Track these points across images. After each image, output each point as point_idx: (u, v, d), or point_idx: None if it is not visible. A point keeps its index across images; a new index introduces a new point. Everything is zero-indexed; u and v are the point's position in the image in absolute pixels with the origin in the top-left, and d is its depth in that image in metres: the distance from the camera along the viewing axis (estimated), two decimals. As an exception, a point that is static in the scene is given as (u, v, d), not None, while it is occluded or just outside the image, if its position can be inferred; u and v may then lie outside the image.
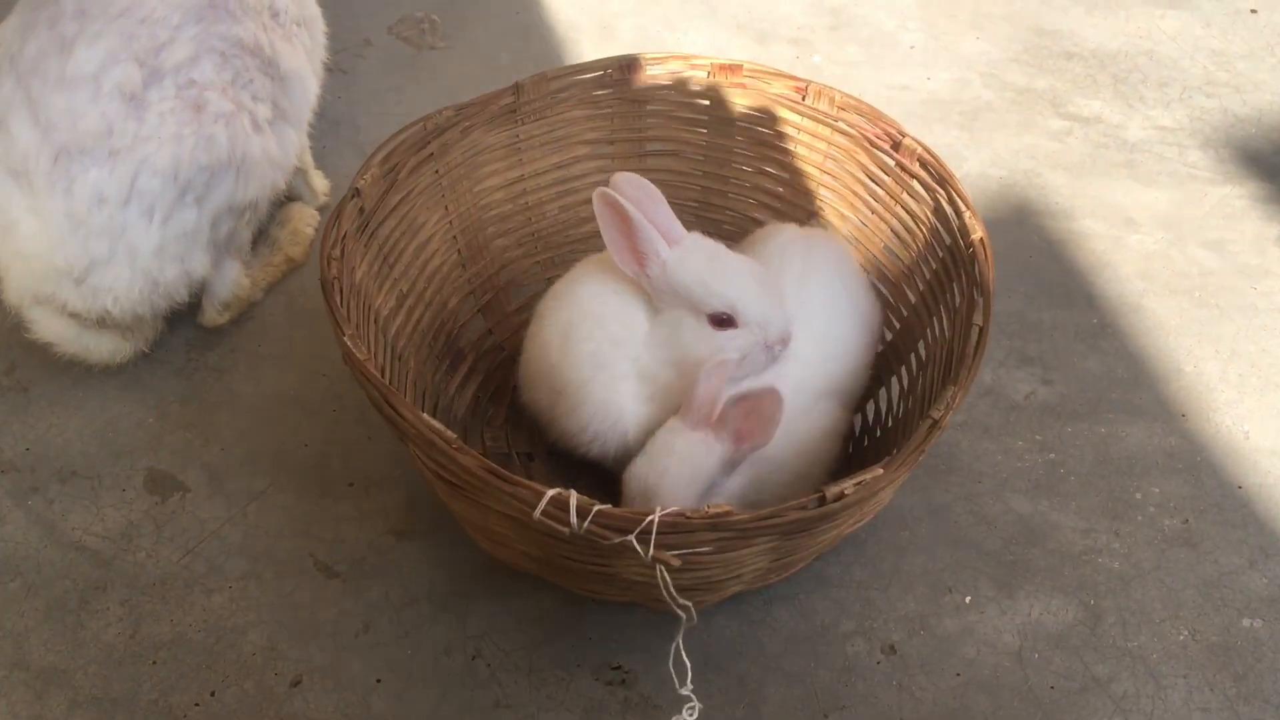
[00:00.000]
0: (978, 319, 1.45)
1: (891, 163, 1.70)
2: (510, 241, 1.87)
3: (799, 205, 1.85)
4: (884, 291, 1.75)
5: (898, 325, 1.73)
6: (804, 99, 1.77)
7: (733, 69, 1.80)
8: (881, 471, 1.29)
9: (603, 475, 1.68)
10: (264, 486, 1.73)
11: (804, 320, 1.58)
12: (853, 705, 1.50)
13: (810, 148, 1.80)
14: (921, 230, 1.67)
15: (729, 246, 1.63)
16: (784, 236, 1.72)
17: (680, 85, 1.84)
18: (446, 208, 1.76)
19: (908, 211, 1.70)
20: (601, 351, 1.58)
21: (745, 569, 1.42)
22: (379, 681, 1.52)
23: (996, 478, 1.74)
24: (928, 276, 1.66)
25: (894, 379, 1.70)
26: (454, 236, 1.79)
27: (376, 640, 1.56)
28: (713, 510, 1.24)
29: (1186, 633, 1.57)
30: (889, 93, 2.41)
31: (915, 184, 1.67)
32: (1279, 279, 2.04)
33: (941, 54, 2.52)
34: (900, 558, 1.65)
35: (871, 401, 1.74)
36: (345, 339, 1.40)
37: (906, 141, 1.67)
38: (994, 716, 1.49)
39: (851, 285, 1.68)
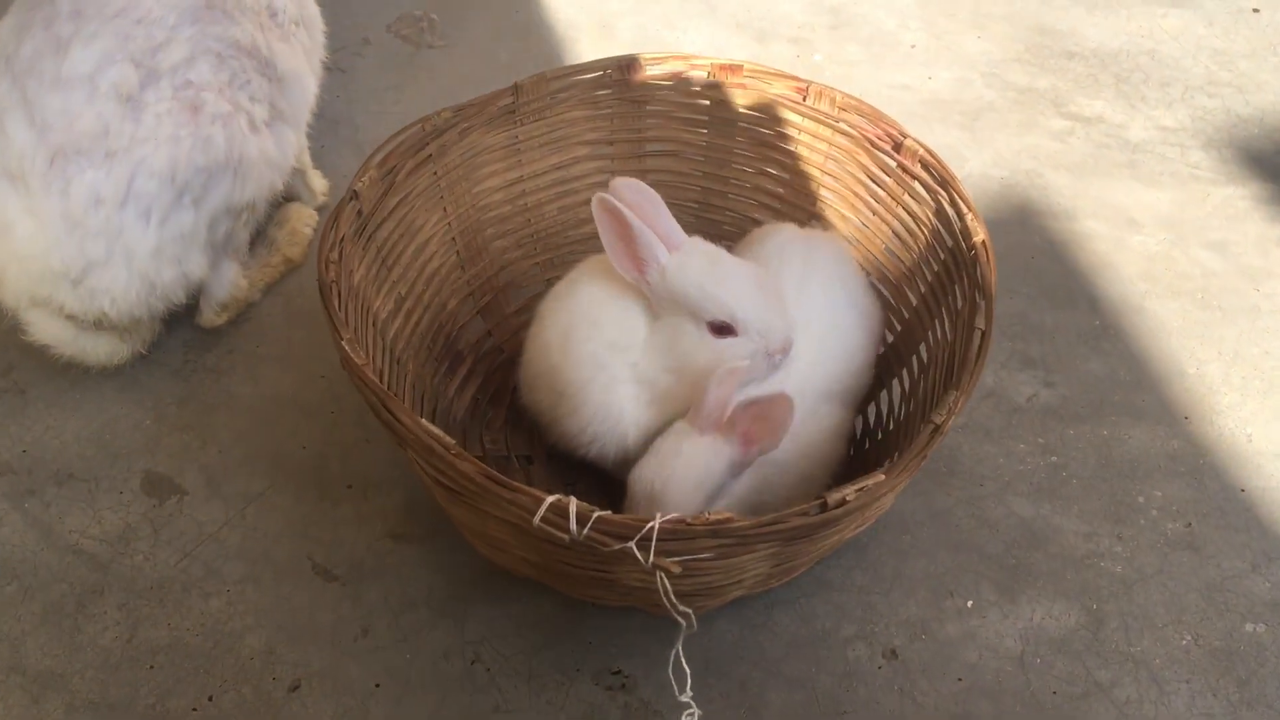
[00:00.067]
0: (980, 322, 1.44)
1: (893, 164, 1.69)
2: (509, 243, 1.86)
3: (799, 206, 1.84)
4: (885, 293, 1.74)
5: (899, 327, 1.72)
6: (805, 99, 1.76)
7: (733, 69, 1.78)
8: (884, 477, 1.28)
9: (603, 478, 1.67)
10: (262, 489, 1.72)
11: (805, 321, 1.57)
12: (854, 710, 1.49)
13: (811, 148, 1.79)
14: (923, 232, 1.66)
15: (728, 248, 1.62)
16: (783, 236, 1.71)
17: (680, 85, 1.82)
18: (445, 209, 1.75)
19: (909, 213, 1.69)
20: (601, 353, 1.57)
21: (746, 574, 1.42)
22: (378, 686, 1.51)
23: (998, 481, 1.74)
24: (929, 279, 1.65)
25: (895, 381, 1.69)
26: (453, 238, 1.78)
27: (375, 644, 1.55)
28: (713, 517, 1.23)
29: (1189, 637, 1.57)
30: (890, 92, 2.40)
31: (917, 185, 1.66)
32: (1282, 280, 2.04)
33: (942, 53, 2.51)
34: (901, 562, 1.64)
35: (873, 404, 1.73)
36: (343, 343, 1.39)
37: (908, 143, 1.66)
38: (996, 722, 1.49)
39: (852, 285, 1.67)
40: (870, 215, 1.75)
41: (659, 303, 1.55)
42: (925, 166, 1.64)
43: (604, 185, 1.85)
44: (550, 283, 1.76)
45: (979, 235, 1.53)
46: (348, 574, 1.62)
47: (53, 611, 1.58)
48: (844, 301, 1.64)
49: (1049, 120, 2.34)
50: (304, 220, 2.06)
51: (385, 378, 1.56)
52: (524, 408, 1.70)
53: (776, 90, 1.78)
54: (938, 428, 1.33)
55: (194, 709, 1.49)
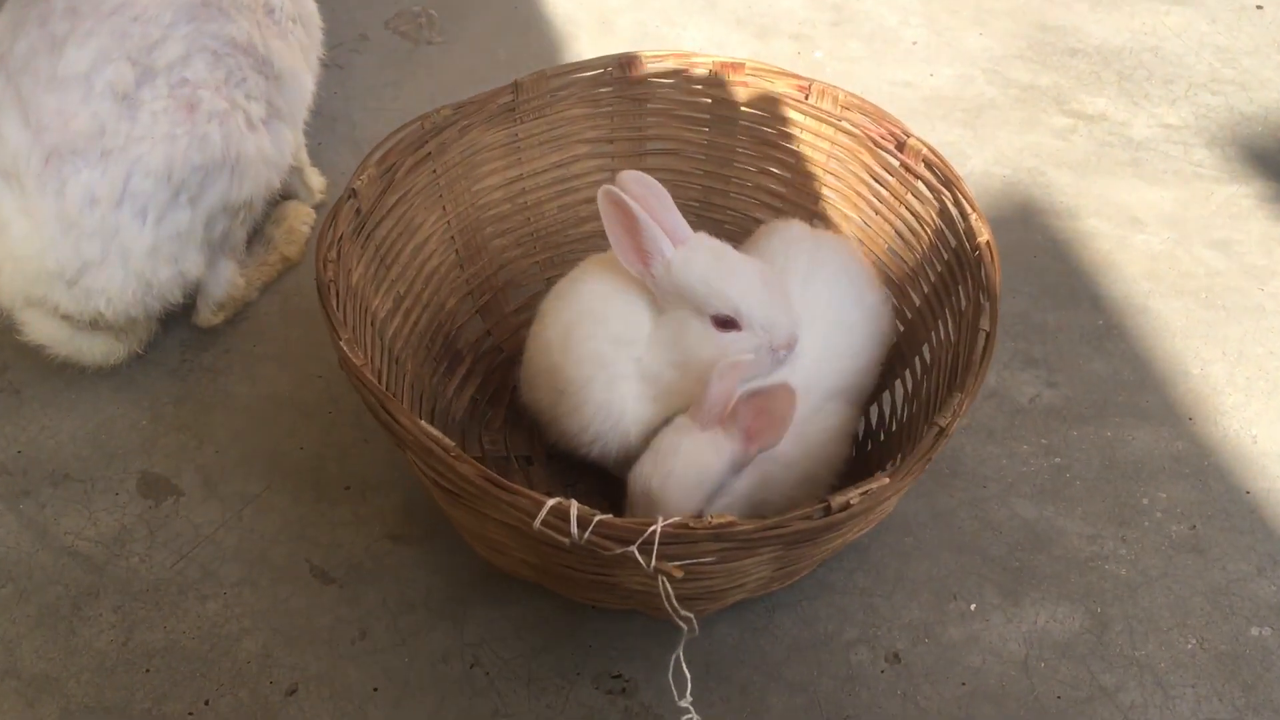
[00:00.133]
0: (984, 324, 1.43)
1: (896, 163, 1.68)
2: (509, 241, 1.84)
3: (801, 205, 1.83)
4: (887, 293, 1.73)
5: (902, 328, 1.70)
6: (807, 98, 1.74)
7: (735, 67, 1.77)
8: (888, 481, 1.27)
9: (603, 479, 1.66)
10: (259, 490, 1.71)
11: (811, 318, 1.55)
12: (857, 715, 1.48)
13: (813, 147, 1.78)
14: (926, 232, 1.65)
15: (736, 245, 1.61)
16: (791, 233, 1.69)
17: (682, 83, 1.81)
18: (444, 208, 1.74)
19: (912, 213, 1.67)
20: (604, 351, 1.56)
21: (749, 578, 1.40)
22: (376, 690, 1.50)
23: (1001, 482, 1.72)
24: (933, 279, 1.64)
25: (898, 382, 1.68)
26: (452, 237, 1.76)
27: (373, 647, 1.54)
28: (716, 521, 1.22)
29: (1194, 641, 1.55)
30: (891, 89, 2.39)
31: (920, 185, 1.64)
32: (1286, 280, 2.02)
33: (944, 50, 2.50)
34: (904, 564, 1.63)
35: (875, 405, 1.71)
36: (341, 344, 1.38)
37: (911, 142, 1.65)
38: (999, 726, 1.48)
39: (858, 281, 1.65)
40: (873, 215, 1.74)
41: (664, 297, 1.53)
42: (929, 166, 1.63)
43: (605, 184, 1.84)
44: (550, 282, 1.74)
45: (983, 236, 1.51)
46: (345, 576, 1.61)
47: (48, 614, 1.56)
48: (850, 297, 1.62)
49: (1051, 118, 2.33)
50: (301, 218, 2.05)
51: (384, 378, 1.55)
52: (524, 407, 1.69)
53: (778, 88, 1.76)
54: (942, 430, 1.32)
55: (190, 713, 1.47)
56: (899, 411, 1.66)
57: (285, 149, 1.84)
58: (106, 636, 1.54)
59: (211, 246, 1.77)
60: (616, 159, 1.86)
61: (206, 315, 1.88)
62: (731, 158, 1.86)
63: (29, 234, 1.62)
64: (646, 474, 1.43)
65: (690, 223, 1.59)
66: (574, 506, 1.21)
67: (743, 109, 1.80)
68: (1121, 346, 1.91)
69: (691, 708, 1.26)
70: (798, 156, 1.80)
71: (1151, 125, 2.31)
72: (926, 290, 1.65)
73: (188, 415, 1.80)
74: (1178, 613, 1.58)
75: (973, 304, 1.50)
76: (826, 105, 1.73)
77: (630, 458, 1.52)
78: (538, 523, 1.21)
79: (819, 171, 1.79)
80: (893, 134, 1.67)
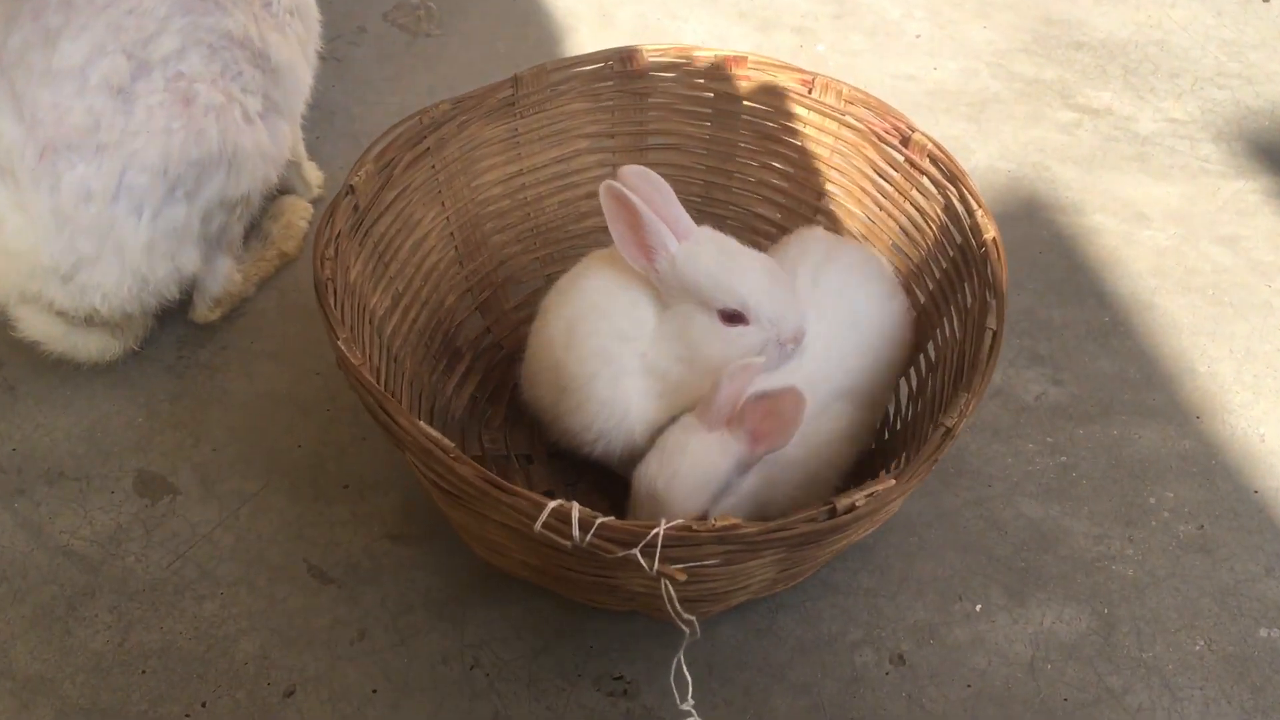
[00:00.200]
0: (991, 322, 1.41)
1: (900, 158, 1.66)
2: (509, 237, 1.82)
3: (804, 201, 1.81)
4: (905, 298, 1.70)
5: (907, 326, 1.69)
6: (811, 92, 1.72)
7: (737, 60, 1.75)
8: (894, 482, 1.25)
9: (604, 477, 1.65)
10: (256, 489, 1.69)
11: (820, 314, 1.54)
12: (861, 717, 1.46)
13: (817, 142, 1.76)
14: (931, 228, 1.63)
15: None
16: (809, 234, 1.69)
17: (683, 77, 1.79)
18: (443, 204, 1.72)
19: (917, 209, 1.65)
20: (608, 347, 1.54)
21: (752, 580, 1.39)
22: (374, 692, 1.48)
23: (1007, 481, 1.71)
24: (938, 276, 1.62)
25: (903, 380, 1.66)
26: (451, 233, 1.74)
27: (372, 648, 1.52)
28: (720, 523, 1.20)
29: (1202, 643, 1.54)
30: (894, 83, 2.37)
31: (925, 180, 1.62)
32: (1293, 276, 2.00)
33: (947, 43, 2.47)
34: (909, 564, 1.61)
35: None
36: (339, 343, 1.36)
37: (916, 137, 1.63)
38: (1005, 729, 1.46)
39: (872, 280, 1.63)
40: (877, 211, 1.72)
41: (668, 292, 1.52)
42: (934, 161, 1.61)
43: (605, 179, 1.82)
44: (550, 278, 1.73)
45: (989, 232, 1.50)
46: (344, 576, 1.59)
47: (43, 614, 1.55)
48: (862, 296, 1.60)
49: (1056, 112, 2.30)
50: (299, 213, 2.03)
51: (382, 377, 1.53)
52: (525, 405, 1.67)
53: (782, 82, 1.74)
54: (949, 431, 1.30)
55: (187, 715, 1.46)
56: (904, 410, 1.65)
57: (282, 143, 1.82)
58: (102, 637, 1.53)
59: (208, 242, 1.75)
60: (617, 154, 1.84)
61: (203, 311, 1.86)
62: (734, 153, 1.84)
63: (23, 229, 1.60)
64: (652, 473, 1.41)
65: (693, 218, 1.57)
66: (575, 509, 1.19)
67: (745, 103, 1.79)
68: (1128, 344, 1.89)
69: (694, 711, 1.24)
70: (801, 151, 1.78)
71: (1157, 120, 2.29)
72: (931, 287, 1.63)
73: (184, 413, 1.78)
74: (1185, 614, 1.57)
75: (979, 302, 1.48)
76: (830, 100, 1.71)
77: (635, 455, 1.50)
78: (539, 525, 1.19)
79: (822, 167, 1.77)
80: (897, 129, 1.65)
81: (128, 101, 1.59)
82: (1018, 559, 1.62)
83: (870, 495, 1.24)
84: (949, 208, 1.58)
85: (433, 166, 1.68)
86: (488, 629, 1.54)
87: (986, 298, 1.45)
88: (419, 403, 1.65)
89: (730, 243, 1.54)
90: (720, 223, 1.82)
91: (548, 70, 1.74)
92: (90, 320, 1.72)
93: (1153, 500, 1.69)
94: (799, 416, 1.38)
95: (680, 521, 1.20)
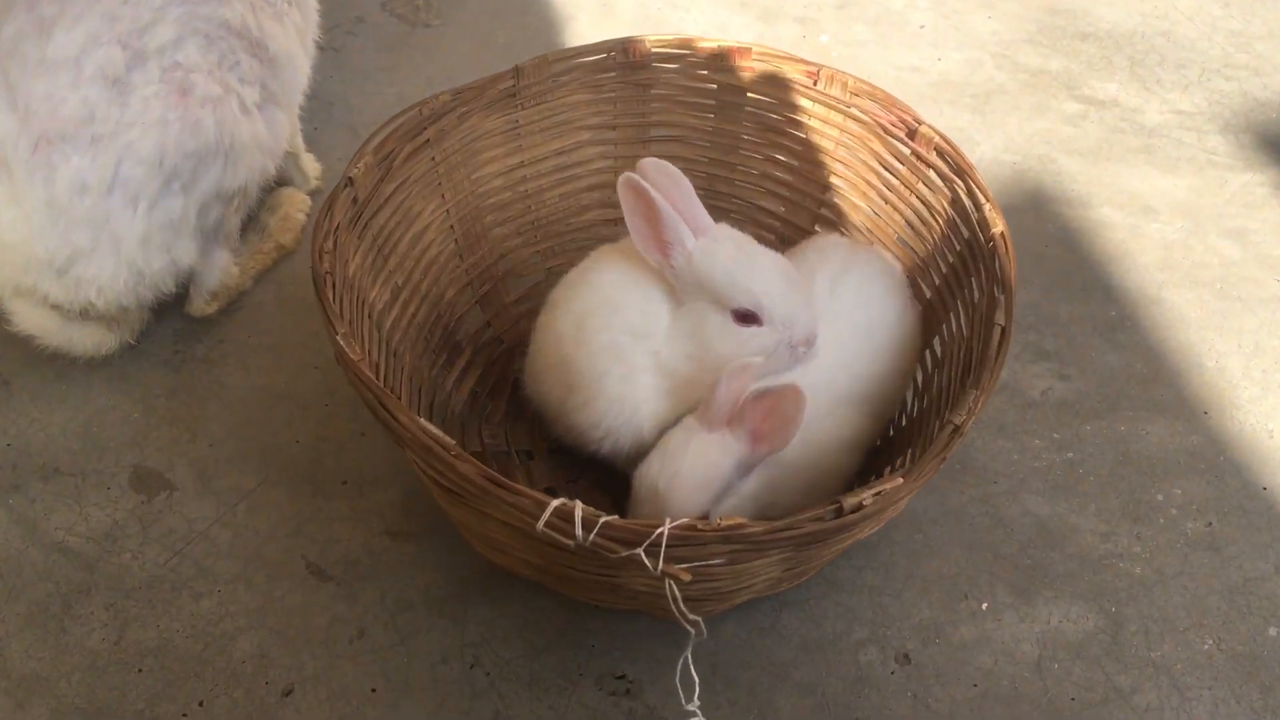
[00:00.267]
0: (999, 318, 1.39)
1: (906, 151, 1.64)
2: (509, 230, 1.80)
3: (808, 194, 1.79)
4: (919, 307, 1.68)
5: (912, 322, 1.67)
6: (816, 83, 1.70)
7: (741, 51, 1.73)
8: (901, 481, 1.23)
9: (605, 474, 1.63)
10: (254, 485, 1.67)
11: (833, 320, 1.52)
12: (866, 717, 1.45)
13: (821, 134, 1.73)
14: (938, 222, 1.61)
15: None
16: (828, 239, 1.68)
17: (686, 68, 1.77)
18: (443, 196, 1.70)
19: (923, 202, 1.63)
20: (620, 343, 1.51)
21: (757, 579, 1.37)
22: (374, 691, 1.46)
23: (1013, 478, 1.69)
24: (944, 270, 1.60)
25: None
26: (451, 226, 1.72)
27: (371, 647, 1.50)
28: (725, 523, 1.18)
29: (1211, 642, 1.52)
30: (898, 74, 2.35)
31: (931, 174, 1.60)
32: (1302, 270, 1.98)
33: (952, 34, 2.45)
34: (914, 562, 1.59)
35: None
36: (338, 338, 1.34)
37: (923, 129, 1.61)
38: (1012, 729, 1.45)
39: (888, 290, 1.61)
40: (882, 204, 1.70)
41: (683, 289, 1.50)
42: (940, 154, 1.59)
43: (607, 171, 1.82)
44: (551, 271, 1.71)
45: (997, 226, 1.48)
46: (343, 573, 1.57)
47: (38, 612, 1.53)
48: (875, 304, 1.58)
49: (1062, 103, 2.28)
50: (297, 205, 2.01)
51: (381, 372, 1.51)
52: (528, 400, 1.65)
53: (786, 73, 1.72)
54: (957, 428, 1.28)
55: (184, 714, 1.44)
56: (909, 407, 1.63)
57: (280, 134, 1.80)
58: (98, 635, 1.51)
59: (205, 235, 1.73)
60: (619, 146, 1.82)
61: (200, 305, 1.84)
62: (737, 145, 1.82)
63: (17, 222, 1.59)
64: (654, 473, 1.39)
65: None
66: (579, 508, 1.17)
67: (749, 95, 1.76)
68: (1135, 338, 1.87)
69: (700, 711, 1.22)
70: (805, 144, 1.76)
71: (1164, 111, 2.27)
72: (938, 282, 1.61)
73: (181, 407, 1.76)
74: (1194, 612, 1.55)
75: (986, 297, 1.46)
76: (835, 91, 1.69)
77: (642, 453, 1.48)
78: (541, 524, 1.18)
79: (827, 160, 1.74)
80: (903, 121, 1.63)
81: (123, 92, 1.57)
82: (1024, 556, 1.60)
83: (878, 494, 1.22)
84: (956, 201, 1.56)
85: (433, 158, 1.66)
86: (488, 627, 1.52)
87: (995, 293, 1.43)
88: (418, 398, 1.63)
89: (748, 242, 1.52)
90: (723, 215, 1.81)
91: (549, 61, 1.72)
92: (85, 314, 1.70)
93: (1160, 497, 1.67)
94: (799, 415, 1.36)
95: (685, 521, 1.18)
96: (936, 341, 1.60)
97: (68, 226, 1.59)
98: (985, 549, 1.61)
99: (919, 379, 1.62)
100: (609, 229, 1.81)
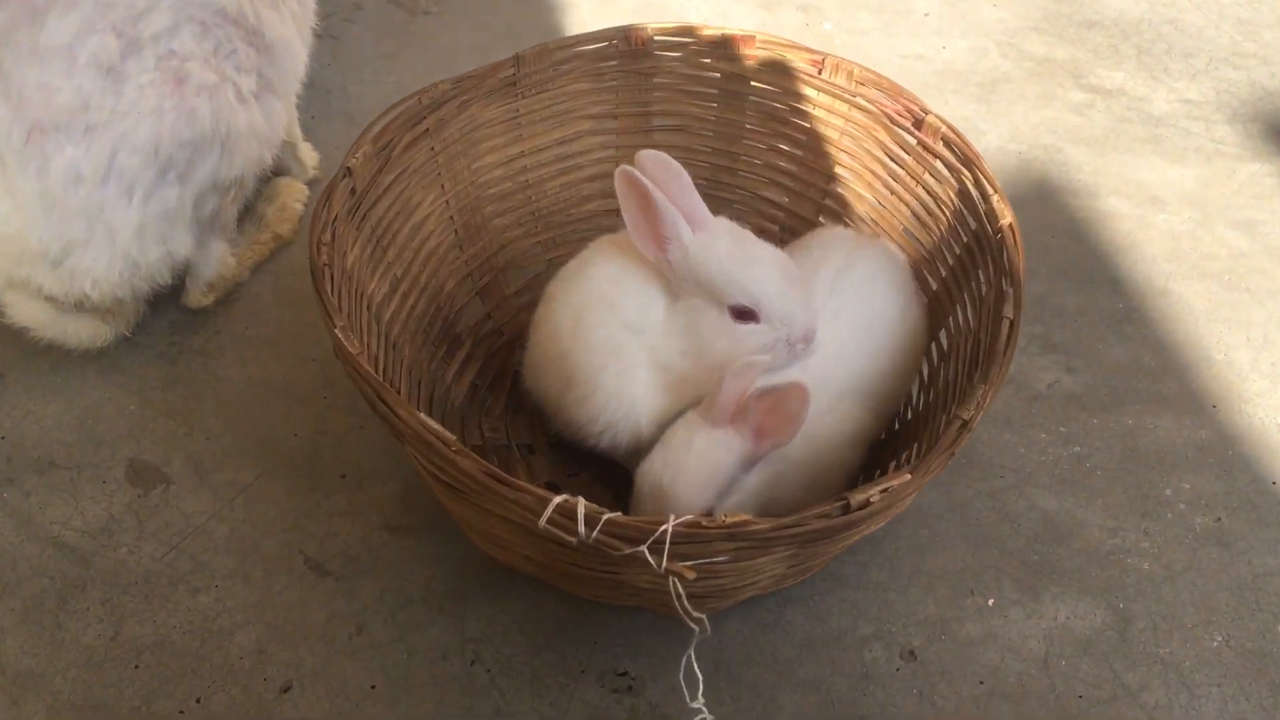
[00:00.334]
0: (1008, 311, 1.37)
1: (913, 141, 1.61)
2: (510, 221, 1.78)
3: (813, 184, 1.76)
4: (924, 302, 1.65)
5: (917, 313, 1.65)
6: (820, 72, 1.67)
7: (745, 39, 1.70)
8: (909, 478, 1.21)
9: (606, 469, 1.61)
10: (251, 478, 1.65)
11: (836, 315, 1.50)
12: (871, 715, 1.43)
13: (826, 124, 1.71)
14: (944, 213, 1.58)
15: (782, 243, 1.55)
16: (833, 232, 1.66)
17: (689, 56, 1.74)
18: (443, 186, 1.67)
19: (929, 193, 1.61)
20: (616, 338, 1.49)
21: (761, 576, 1.35)
22: (373, 688, 1.45)
23: (1020, 472, 1.67)
24: (950, 262, 1.58)
25: (913, 370, 1.62)
26: (450, 217, 1.70)
27: (370, 643, 1.49)
28: (730, 520, 1.16)
29: (1220, 638, 1.50)
30: (902, 62, 2.32)
31: (938, 164, 1.58)
32: (1311, 261, 1.96)
33: (957, 22, 2.43)
34: (919, 557, 1.58)
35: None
36: (337, 331, 1.32)
37: (929, 119, 1.58)
38: (1019, 727, 1.43)
39: (892, 284, 1.59)
40: (888, 195, 1.68)
41: (679, 283, 1.47)
42: (947, 144, 1.57)
43: (608, 161, 1.79)
44: (552, 262, 1.69)
45: (1005, 218, 1.46)
46: (341, 569, 1.56)
47: (33, 608, 1.51)
48: (879, 299, 1.56)
49: (1068, 92, 2.26)
50: (294, 195, 1.99)
51: (380, 365, 1.49)
52: (527, 394, 1.63)
53: (791, 62, 1.70)
54: (965, 424, 1.26)
55: (181, 711, 1.42)
56: (914, 400, 1.61)
57: (277, 123, 1.77)
58: (94, 631, 1.49)
59: (201, 225, 1.71)
60: (621, 135, 1.80)
61: (196, 296, 1.82)
62: (740, 134, 1.79)
63: (10, 213, 1.56)
64: (657, 469, 1.37)
65: (703, 207, 1.53)
66: (581, 505, 1.15)
67: (753, 84, 1.74)
68: (1142, 331, 1.85)
69: (704, 708, 1.20)
70: (810, 134, 1.73)
71: (1171, 100, 2.24)
72: (944, 274, 1.59)
73: (177, 400, 1.74)
74: (1203, 608, 1.53)
75: (994, 289, 1.44)
76: (841, 80, 1.66)
77: (641, 448, 1.46)
78: (543, 521, 1.16)
79: (832, 150, 1.72)
80: (910, 111, 1.61)
81: (117, 81, 1.55)
82: (1031, 552, 1.58)
83: (885, 490, 1.20)
84: (963, 192, 1.54)
85: (432, 148, 1.64)
86: (489, 624, 1.50)
87: (1003, 285, 1.41)
88: (418, 391, 1.61)
89: (747, 236, 1.50)
90: (726, 205, 1.79)
91: (550, 49, 1.69)
92: (80, 306, 1.68)
93: (1168, 492, 1.65)
94: (803, 412, 1.34)
95: (689, 518, 1.16)
96: (943, 334, 1.58)
97: (62, 217, 1.57)
98: (991, 544, 1.59)
99: (925, 372, 1.60)
100: (610, 219, 1.79)
